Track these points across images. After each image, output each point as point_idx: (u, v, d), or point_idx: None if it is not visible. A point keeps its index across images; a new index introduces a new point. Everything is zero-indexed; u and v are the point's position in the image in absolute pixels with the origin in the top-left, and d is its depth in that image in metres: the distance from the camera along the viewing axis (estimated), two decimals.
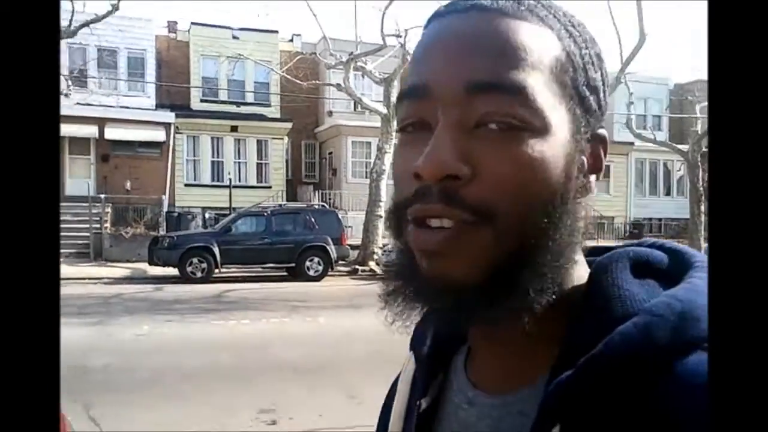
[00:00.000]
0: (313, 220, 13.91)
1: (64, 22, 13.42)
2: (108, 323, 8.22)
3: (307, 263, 13.54)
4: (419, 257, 0.48)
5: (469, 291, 0.46)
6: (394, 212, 0.51)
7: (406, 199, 0.49)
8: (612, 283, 0.49)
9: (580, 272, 0.51)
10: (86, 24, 12.78)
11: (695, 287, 0.46)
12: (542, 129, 0.46)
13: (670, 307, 0.44)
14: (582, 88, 0.50)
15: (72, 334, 7.38)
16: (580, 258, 0.51)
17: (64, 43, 16.15)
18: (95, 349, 6.67)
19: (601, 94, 0.52)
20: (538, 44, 0.48)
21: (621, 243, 0.57)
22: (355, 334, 7.31)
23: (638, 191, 23.40)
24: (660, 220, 22.95)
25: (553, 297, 0.47)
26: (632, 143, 21.04)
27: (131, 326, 8.02)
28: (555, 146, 0.47)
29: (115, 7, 12.75)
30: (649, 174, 23.62)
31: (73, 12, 12.52)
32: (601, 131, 0.52)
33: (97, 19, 13.02)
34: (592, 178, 0.51)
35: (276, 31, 20.80)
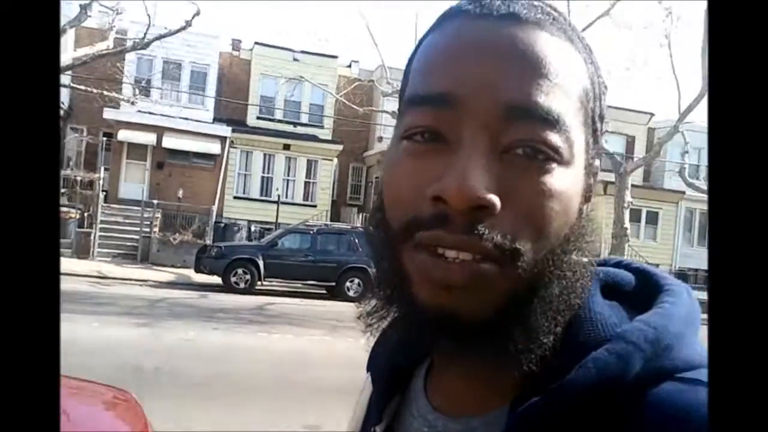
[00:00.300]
0: (357, 241, 13.99)
1: (138, 35, 14.02)
2: (155, 326, 8.41)
3: (347, 284, 13.64)
4: (421, 286, 0.44)
5: (477, 327, 0.43)
6: (396, 232, 0.45)
7: (415, 221, 0.44)
8: (582, 305, 0.47)
9: None
10: (159, 37, 13.21)
11: (667, 312, 0.45)
12: (568, 159, 0.44)
13: (643, 334, 0.43)
14: (596, 118, 0.48)
15: (121, 333, 7.66)
16: None
17: (133, 54, 16.88)
18: (144, 350, 6.84)
19: (603, 125, 0.50)
20: (573, 69, 0.46)
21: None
22: None
23: (686, 241, 22.85)
24: (706, 272, 22.29)
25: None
26: (683, 192, 20.64)
27: (178, 330, 8.20)
28: (575, 178, 0.45)
29: (189, 23, 13.18)
30: (698, 224, 23.09)
31: (149, 26, 13.05)
32: (596, 162, 0.50)
33: (170, 34, 13.50)
34: (584, 208, 0.48)
35: (336, 57, 21.19)
